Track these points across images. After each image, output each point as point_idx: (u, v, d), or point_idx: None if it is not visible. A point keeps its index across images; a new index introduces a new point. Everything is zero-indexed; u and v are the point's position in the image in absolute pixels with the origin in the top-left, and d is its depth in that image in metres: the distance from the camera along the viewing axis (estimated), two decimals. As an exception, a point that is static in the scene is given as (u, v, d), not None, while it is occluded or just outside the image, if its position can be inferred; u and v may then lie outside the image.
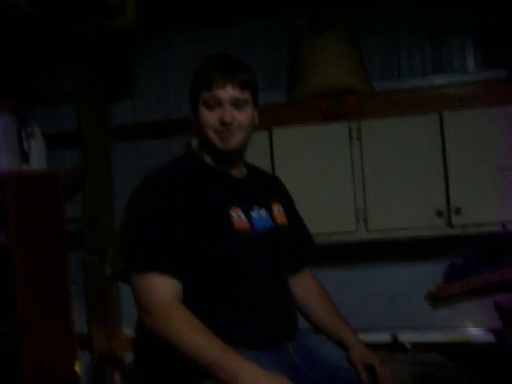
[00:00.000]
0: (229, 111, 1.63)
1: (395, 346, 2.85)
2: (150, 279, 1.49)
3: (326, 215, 2.92)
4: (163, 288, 1.49)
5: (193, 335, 1.44)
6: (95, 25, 2.90)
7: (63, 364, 3.10)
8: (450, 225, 2.83)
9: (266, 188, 1.84)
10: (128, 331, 3.35)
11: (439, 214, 2.83)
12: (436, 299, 3.09)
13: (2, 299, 2.85)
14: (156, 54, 3.59)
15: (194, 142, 1.81)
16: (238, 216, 1.62)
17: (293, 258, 1.83)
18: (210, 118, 1.64)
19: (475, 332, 2.95)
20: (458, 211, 2.80)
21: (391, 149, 2.90)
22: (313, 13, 3.09)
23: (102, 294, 3.45)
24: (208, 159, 1.72)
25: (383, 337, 2.95)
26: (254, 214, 1.68)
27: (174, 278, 1.51)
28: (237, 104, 1.64)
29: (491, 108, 2.82)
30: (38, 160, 3.24)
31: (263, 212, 1.72)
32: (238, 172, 1.77)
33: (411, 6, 3.24)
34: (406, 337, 2.92)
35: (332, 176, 2.94)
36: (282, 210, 1.80)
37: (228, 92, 1.62)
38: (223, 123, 1.62)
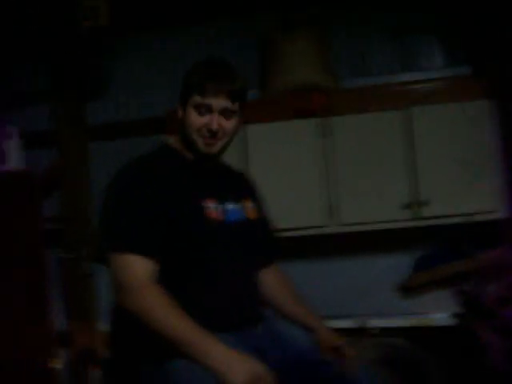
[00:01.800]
0: (217, 120, 1.69)
1: (362, 332, 2.93)
2: (126, 260, 1.57)
3: (299, 210, 3.01)
4: (139, 268, 1.56)
5: (166, 313, 1.51)
6: (69, 26, 2.95)
7: (42, 360, 3.14)
8: (417, 217, 2.92)
9: (239, 184, 1.92)
10: (106, 327, 3.38)
11: (408, 206, 2.92)
12: (405, 289, 3.17)
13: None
14: (130, 53, 3.64)
15: (170, 140, 1.87)
16: (212, 207, 1.70)
17: (261, 254, 1.91)
18: (198, 122, 1.70)
19: (438, 316, 3.02)
20: (425, 203, 2.90)
21: (360, 144, 2.98)
22: (282, 12, 3.16)
23: (80, 290, 3.49)
24: (186, 154, 1.78)
25: (351, 323, 3.01)
26: (227, 206, 1.76)
27: (150, 259, 1.58)
28: (225, 113, 1.71)
29: (456, 103, 2.92)
30: (15, 160, 3.27)
31: (236, 206, 1.79)
32: (214, 168, 1.84)
33: (377, 5, 3.33)
34: (373, 323, 2.99)
35: (304, 171, 3.03)
36: (252, 205, 1.88)
37: (219, 102, 1.69)
38: (210, 130, 1.70)
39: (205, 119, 1.70)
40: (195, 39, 3.50)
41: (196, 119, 1.71)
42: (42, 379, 3.06)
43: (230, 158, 2.04)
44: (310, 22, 3.13)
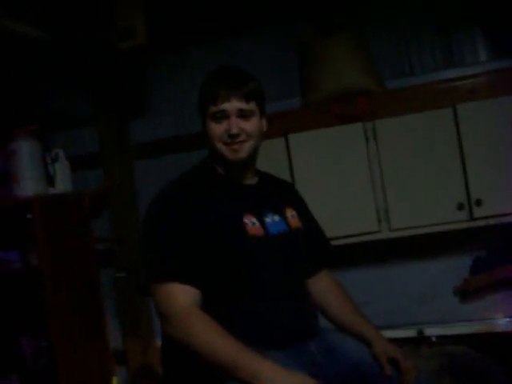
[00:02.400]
0: (235, 123, 1.69)
1: (421, 340, 2.84)
2: (168, 288, 1.56)
3: (348, 217, 2.94)
4: (181, 295, 1.55)
5: (212, 338, 1.49)
6: (106, 48, 2.98)
7: (101, 379, 3.16)
8: (471, 217, 2.81)
9: (279, 194, 1.89)
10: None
11: (460, 207, 2.82)
12: (464, 293, 3.07)
13: (37, 318, 2.92)
14: (171, 69, 3.66)
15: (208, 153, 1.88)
16: (251, 222, 1.68)
17: (310, 262, 1.86)
18: (218, 130, 1.70)
19: (500, 322, 2.91)
20: (479, 203, 2.79)
21: (407, 146, 2.90)
22: (320, 16, 3.12)
23: (135, 309, 3.51)
24: (220, 169, 1.77)
25: (409, 332, 2.92)
26: (267, 219, 1.73)
27: (192, 286, 1.57)
28: (243, 115, 1.70)
29: (505, 97, 2.81)
30: (63, 183, 3.32)
31: (277, 217, 1.77)
32: (250, 179, 1.82)
33: (417, 2, 3.26)
34: (432, 331, 2.90)
35: (351, 178, 2.96)
36: (295, 214, 1.84)
37: (233, 104, 1.68)
38: (230, 135, 1.69)
39: (223, 126, 1.70)
40: (233, 51, 3.48)
41: (215, 128, 1.70)
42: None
43: (275, 170, 2.02)
44: (349, 24, 3.08)
